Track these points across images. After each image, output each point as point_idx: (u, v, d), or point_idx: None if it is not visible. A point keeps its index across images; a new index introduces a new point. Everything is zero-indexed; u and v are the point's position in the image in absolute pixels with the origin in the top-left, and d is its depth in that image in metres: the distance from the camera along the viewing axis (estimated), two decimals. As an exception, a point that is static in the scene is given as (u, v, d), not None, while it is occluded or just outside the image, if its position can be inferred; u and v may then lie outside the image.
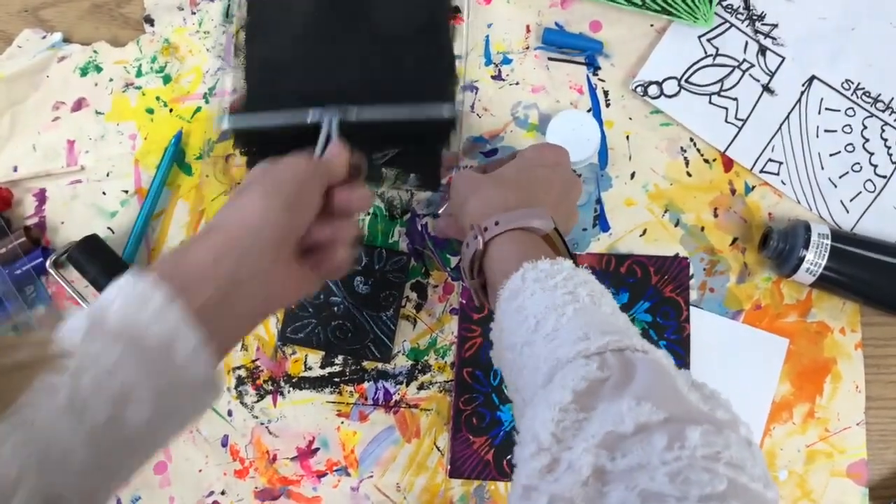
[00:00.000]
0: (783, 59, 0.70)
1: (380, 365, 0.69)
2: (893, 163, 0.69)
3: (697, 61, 0.71)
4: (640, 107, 0.71)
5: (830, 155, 0.69)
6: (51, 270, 0.68)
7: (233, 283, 0.45)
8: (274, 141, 0.63)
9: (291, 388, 0.69)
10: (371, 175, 0.67)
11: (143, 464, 0.43)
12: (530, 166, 0.57)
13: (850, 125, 0.69)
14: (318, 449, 0.68)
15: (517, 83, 0.72)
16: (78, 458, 0.38)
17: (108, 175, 0.73)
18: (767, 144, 0.69)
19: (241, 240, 0.46)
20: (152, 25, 0.75)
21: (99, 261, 0.68)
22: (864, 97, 0.70)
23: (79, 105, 0.74)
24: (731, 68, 0.70)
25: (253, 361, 0.69)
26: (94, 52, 0.75)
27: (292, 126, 0.64)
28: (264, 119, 0.67)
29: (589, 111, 0.70)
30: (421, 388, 0.68)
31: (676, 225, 0.69)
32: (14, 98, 0.74)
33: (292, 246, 0.50)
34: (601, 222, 0.69)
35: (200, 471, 0.68)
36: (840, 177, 0.69)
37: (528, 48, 0.72)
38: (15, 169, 0.73)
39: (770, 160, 0.69)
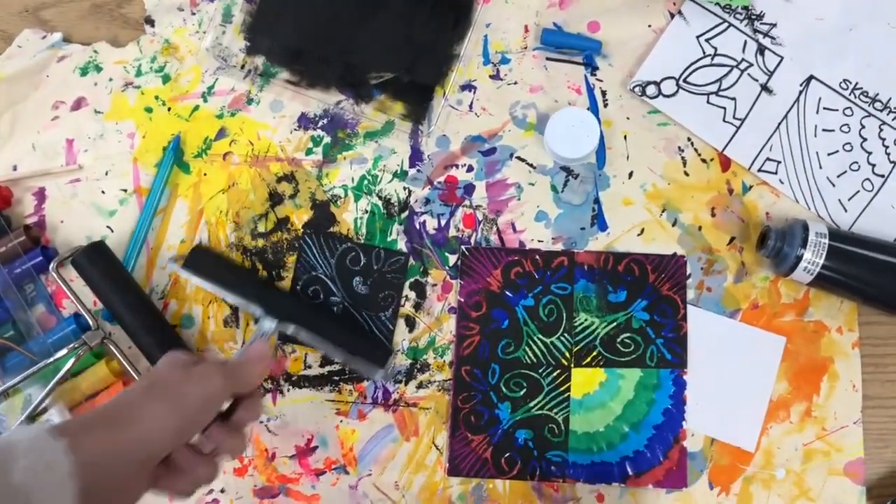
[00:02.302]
0: (782, 58, 0.70)
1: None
2: (891, 162, 0.69)
3: (696, 61, 0.71)
4: (637, 107, 0.71)
5: (828, 154, 0.69)
6: (53, 274, 0.69)
7: (111, 483, 0.47)
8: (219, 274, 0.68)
9: (291, 387, 0.69)
10: (362, 93, 0.70)
11: None
12: None
13: (848, 125, 0.69)
14: (316, 447, 0.68)
15: (515, 83, 0.72)
16: None
17: (106, 174, 0.73)
18: (766, 144, 0.70)
19: (136, 446, 0.48)
20: (153, 26, 0.75)
21: (102, 268, 0.68)
22: (862, 97, 0.70)
23: (78, 104, 0.74)
24: (729, 68, 0.71)
25: (252, 360, 0.70)
26: (95, 52, 0.75)
27: (235, 293, 0.67)
28: (212, 287, 0.68)
29: (586, 110, 0.70)
30: (420, 386, 0.68)
31: (674, 224, 0.69)
32: (14, 97, 0.74)
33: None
34: (599, 221, 0.69)
35: (199, 469, 0.69)
36: (838, 176, 0.69)
37: (526, 48, 0.72)
38: (14, 168, 0.73)
39: (768, 159, 0.69)
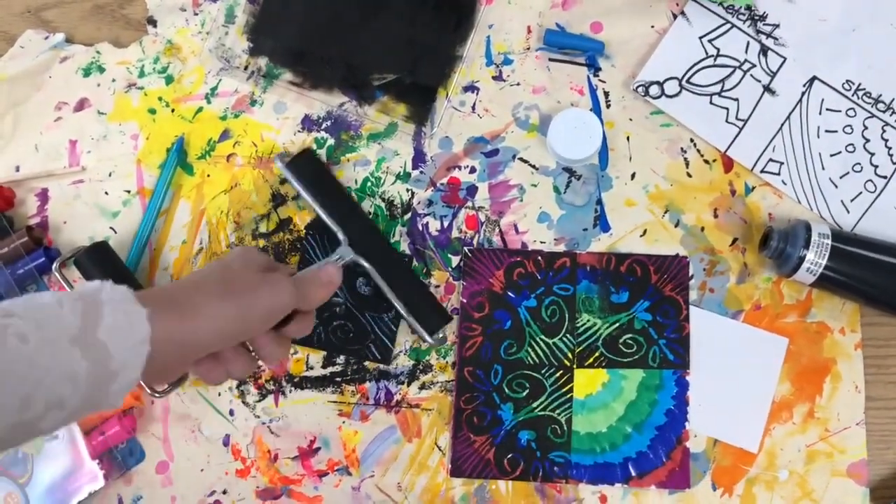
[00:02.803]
0: (784, 59, 0.70)
1: (381, 365, 0.69)
2: (894, 163, 0.69)
3: (698, 62, 0.71)
4: (640, 108, 0.71)
5: (831, 155, 0.69)
6: (56, 274, 0.69)
7: (161, 362, 0.49)
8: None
9: (293, 388, 0.69)
10: (365, 94, 0.71)
11: None
12: None
13: (850, 126, 0.69)
14: (319, 448, 0.68)
15: (518, 84, 0.72)
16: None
17: (110, 175, 0.73)
18: (768, 145, 0.70)
19: (196, 340, 0.50)
20: (155, 26, 0.75)
21: (105, 269, 0.68)
22: (864, 98, 0.70)
23: (81, 105, 0.74)
24: (732, 69, 0.71)
25: (254, 361, 0.70)
26: (97, 52, 0.75)
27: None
28: (305, 192, 0.69)
29: (589, 111, 0.70)
30: (422, 387, 0.68)
31: (676, 225, 0.69)
32: (16, 98, 0.74)
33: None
34: (601, 223, 0.69)
35: (202, 470, 0.69)
36: (841, 177, 0.69)
37: (528, 49, 0.72)
38: (17, 169, 0.73)
39: (771, 160, 0.69)
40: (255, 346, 0.56)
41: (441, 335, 0.68)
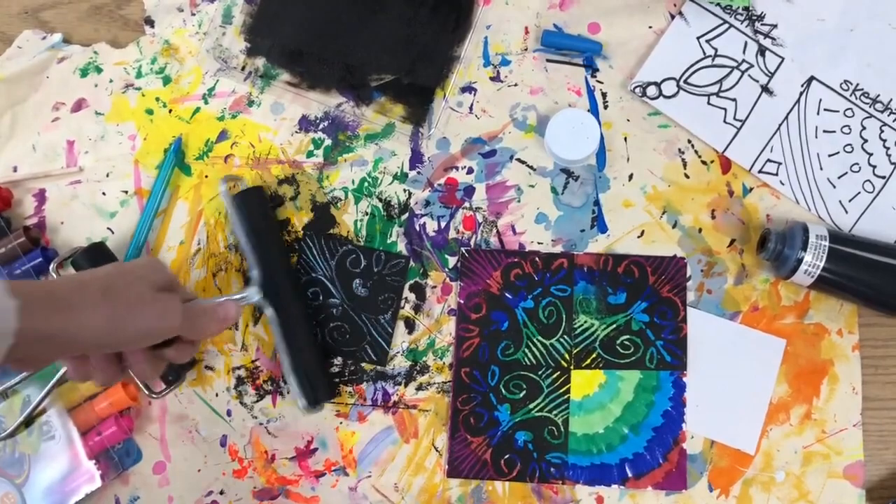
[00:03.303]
0: (782, 59, 0.70)
1: (378, 366, 0.69)
2: (892, 163, 0.69)
3: (696, 62, 0.71)
4: (638, 108, 0.71)
5: (829, 155, 0.69)
6: (53, 275, 0.69)
7: (34, 358, 0.51)
8: None
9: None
10: (363, 95, 0.71)
11: None
12: None
13: (848, 126, 0.69)
14: (316, 449, 0.68)
15: (515, 84, 0.72)
16: None
17: (107, 175, 0.73)
18: (766, 145, 0.69)
19: (60, 339, 0.49)
20: (152, 27, 0.75)
21: None
22: (862, 98, 0.70)
23: (78, 106, 0.74)
24: (730, 69, 0.70)
25: (253, 362, 0.70)
26: (95, 53, 0.75)
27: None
28: (239, 229, 0.68)
29: (587, 112, 0.70)
30: (419, 388, 0.68)
31: (674, 226, 0.69)
32: (14, 99, 0.74)
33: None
34: (599, 224, 0.69)
35: (199, 471, 0.69)
36: (839, 177, 0.69)
37: (526, 49, 0.72)
38: (15, 169, 0.73)
39: (769, 160, 0.69)
40: (128, 361, 0.55)
41: (319, 408, 0.67)
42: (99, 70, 0.74)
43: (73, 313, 0.49)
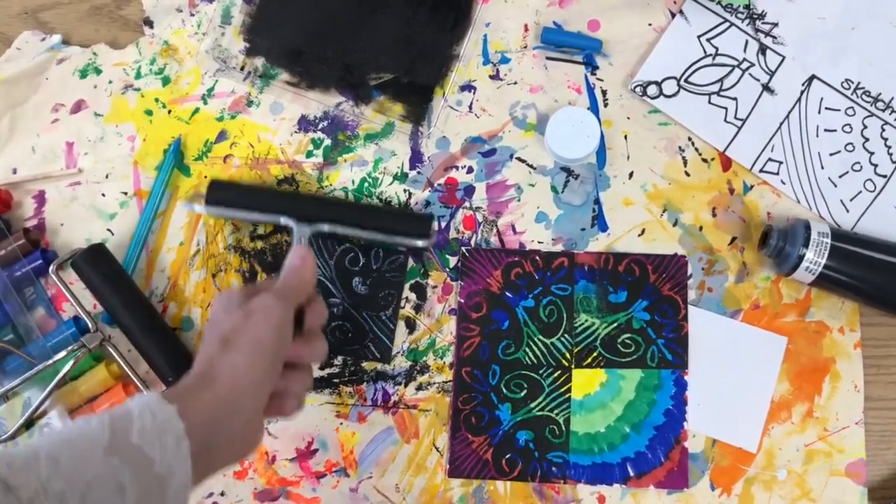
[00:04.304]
0: (783, 58, 0.70)
1: (378, 366, 0.69)
2: (893, 162, 0.69)
3: (697, 61, 0.70)
4: (638, 106, 0.70)
5: (830, 154, 0.69)
6: (53, 276, 0.69)
7: (223, 438, 0.49)
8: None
9: (290, 389, 0.69)
10: (362, 94, 0.70)
11: None
12: None
13: (850, 124, 0.69)
14: (317, 450, 0.68)
15: (515, 83, 0.72)
16: None
17: (107, 177, 0.73)
18: (767, 144, 0.69)
19: (233, 401, 0.50)
20: (151, 27, 0.75)
21: (102, 271, 0.68)
22: (864, 96, 0.69)
23: (78, 107, 0.74)
24: (730, 68, 0.70)
25: (252, 362, 0.69)
26: (94, 54, 0.75)
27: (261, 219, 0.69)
28: (237, 213, 0.68)
29: (587, 110, 0.70)
30: (419, 388, 0.68)
31: (675, 225, 0.69)
32: (13, 100, 0.74)
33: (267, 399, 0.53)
34: (599, 222, 0.69)
35: (200, 471, 0.69)
36: (840, 176, 0.69)
37: (526, 47, 0.72)
38: (14, 171, 0.73)
39: (770, 160, 0.69)
40: (294, 361, 0.55)
41: (433, 236, 0.68)
42: (98, 71, 0.74)
43: (220, 377, 0.50)
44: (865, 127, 0.69)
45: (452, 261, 0.70)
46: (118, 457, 0.43)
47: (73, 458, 0.42)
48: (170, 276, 0.71)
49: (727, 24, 0.71)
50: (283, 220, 0.66)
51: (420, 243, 0.67)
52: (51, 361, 0.66)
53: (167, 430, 0.45)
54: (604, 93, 0.71)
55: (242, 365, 0.50)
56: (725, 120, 0.70)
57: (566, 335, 0.68)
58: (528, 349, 0.68)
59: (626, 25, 0.71)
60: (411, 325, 0.69)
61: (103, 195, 0.72)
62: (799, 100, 0.70)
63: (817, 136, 0.69)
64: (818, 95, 0.70)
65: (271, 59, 0.72)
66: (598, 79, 0.71)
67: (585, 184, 0.70)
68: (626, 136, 0.70)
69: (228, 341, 0.51)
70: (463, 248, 0.69)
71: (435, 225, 0.69)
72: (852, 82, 0.70)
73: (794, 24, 0.70)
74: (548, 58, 0.72)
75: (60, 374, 0.65)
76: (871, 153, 0.69)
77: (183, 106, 0.73)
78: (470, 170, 0.71)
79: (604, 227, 0.69)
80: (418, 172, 0.71)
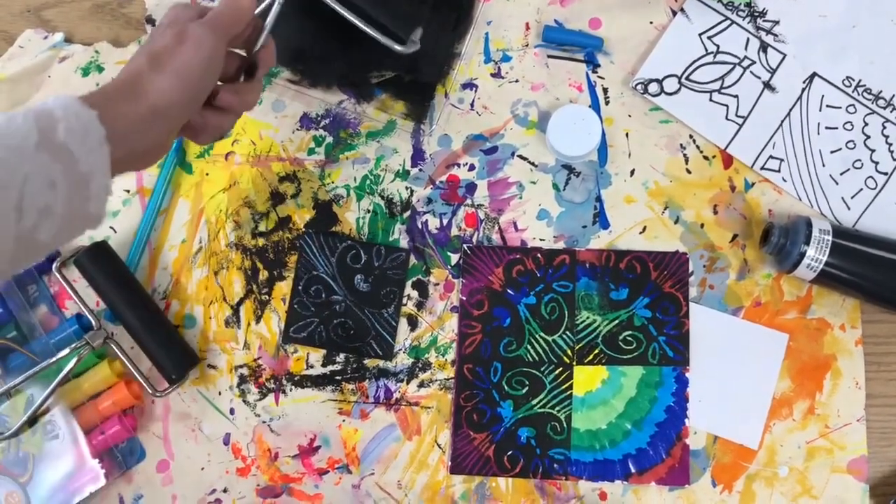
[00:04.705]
0: (784, 56, 0.70)
1: (381, 363, 0.69)
2: (894, 160, 0.69)
3: (698, 59, 0.71)
4: (639, 104, 0.71)
5: (831, 152, 0.69)
6: (56, 274, 0.69)
7: (131, 152, 0.51)
8: None
9: (293, 387, 0.69)
10: (364, 92, 0.70)
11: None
12: None
13: (851, 122, 0.69)
14: (319, 447, 0.68)
15: (517, 81, 0.72)
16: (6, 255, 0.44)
17: (109, 174, 0.73)
18: (768, 142, 0.69)
19: (150, 120, 0.51)
20: (154, 25, 0.75)
21: (105, 268, 0.68)
22: (865, 94, 0.70)
23: (80, 105, 0.74)
24: (731, 65, 0.70)
25: (255, 360, 0.70)
26: (96, 52, 0.75)
27: None
28: None
29: (588, 107, 0.70)
30: (421, 385, 0.68)
31: (676, 222, 0.69)
32: (16, 98, 0.74)
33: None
34: (601, 220, 0.69)
35: (203, 469, 0.69)
36: (841, 174, 0.69)
37: (527, 46, 0.72)
38: (17, 169, 0.73)
39: (771, 157, 0.69)
40: (221, 105, 0.56)
41: (413, 41, 0.65)
42: (100, 69, 0.75)
43: (144, 94, 0.50)
44: (866, 124, 0.69)
45: (454, 258, 0.70)
46: (48, 153, 0.44)
47: (7, 151, 0.43)
48: (172, 273, 0.71)
49: (728, 22, 0.71)
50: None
51: (397, 47, 0.63)
52: (54, 359, 0.66)
53: (90, 131, 0.46)
54: (605, 91, 0.71)
55: (166, 88, 0.51)
56: (727, 117, 0.70)
57: (568, 332, 0.68)
58: (529, 346, 0.68)
59: (627, 23, 0.72)
60: (413, 323, 0.69)
61: (106, 193, 0.73)
62: (800, 97, 0.70)
63: (818, 133, 0.69)
64: (819, 93, 0.70)
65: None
66: (599, 77, 0.71)
67: (587, 181, 0.70)
68: (627, 134, 0.70)
69: (158, 62, 0.52)
70: (465, 246, 0.70)
71: (419, 34, 0.65)
72: (853, 80, 0.70)
73: (795, 22, 0.70)
74: (549, 56, 0.72)
75: (63, 372, 0.65)
76: (872, 150, 0.69)
77: (185, 104, 0.73)
78: (472, 167, 0.71)
79: (605, 225, 0.69)
80: (420, 170, 0.71)
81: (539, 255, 0.69)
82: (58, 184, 0.45)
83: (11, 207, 0.43)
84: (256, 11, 0.58)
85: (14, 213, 0.43)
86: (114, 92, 0.50)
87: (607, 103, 0.71)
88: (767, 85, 0.70)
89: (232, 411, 0.69)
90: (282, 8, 0.59)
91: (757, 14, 0.71)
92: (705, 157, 0.70)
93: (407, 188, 0.71)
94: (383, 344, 0.69)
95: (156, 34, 0.54)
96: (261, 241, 0.71)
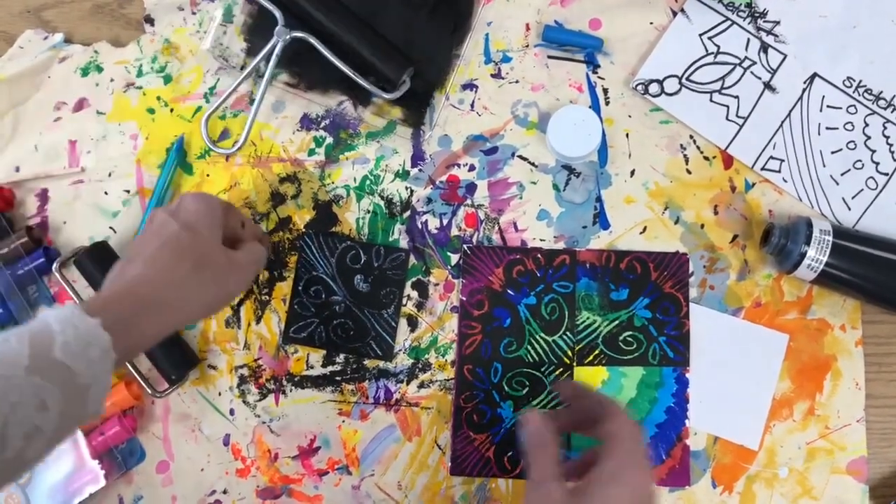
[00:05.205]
0: (785, 56, 0.70)
1: (381, 363, 0.69)
2: (895, 160, 0.69)
3: (698, 59, 0.71)
4: (639, 104, 0.71)
5: (832, 152, 0.69)
6: (56, 274, 0.69)
7: (146, 335, 0.52)
8: None
9: (293, 387, 0.69)
10: (360, 96, 0.70)
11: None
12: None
13: (851, 122, 0.69)
14: (319, 448, 0.68)
15: (517, 81, 0.72)
16: None
17: (109, 175, 0.73)
18: (769, 142, 0.69)
19: (176, 326, 0.54)
20: (152, 25, 0.75)
21: (105, 268, 0.68)
22: (865, 94, 0.69)
23: (80, 105, 0.74)
24: (732, 66, 0.70)
25: (255, 360, 0.70)
26: (95, 52, 0.75)
27: None
28: None
29: (588, 108, 0.70)
30: (421, 386, 0.68)
31: (676, 222, 0.69)
32: (16, 99, 0.74)
33: (207, 252, 0.57)
34: (601, 220, 0.69)
35: (202, 470, 0.69)
36: (842, 174, 0.69)
37: (527, 46, 0.72)
38: (17, 169, 0.73)
39: (771, 158, 0.69)
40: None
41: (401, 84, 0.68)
42: (100, 69, 0.75)
43: (183, 306, 0.53)
44: (867, 125, 0.69)
45: (454, 258, 0.70)
46: (39, 375, 0.44)
47: None
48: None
49: (729, 23, 0.71)
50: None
51: (385, 95, 0.67)
52: (53, 359, 0.66)
53: (91, 342, 0.46)
54: (605, 91, 0.71)
55: (210, 299, 0.55)
56: (727, 118, 0.70)
57: (568, 333, 0.68)
58: (529, 347, 0.68)
59: (627, 24, 0.72)
60: (413, 323, 0.69)
61: (106, 193, 0.73)
62: (800, 98, 0.70)
63: (819, 134, 0.69)
64: (820, 93, 0.70)
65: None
66: (599, 77, 0.71)
67: (587, 182, 0.70)
68: (627, 135, 0.70)
69: (205, 275, 0.55)
70: (465, 246, 0.70)
71: (406, 77, 0.68)
72: (854, 80, 0.70)
73: (796, 23, 0.70)
74: (549, 56, 0.72)
75: (63, 372, 0.65)
76: (873, 151, 0.69)
77: (185, 104, 0.73)
78: (472, 167, 0.71)
79: (605, 225, 0.69)
80: (420, 170, 0.71)
81: (539, 255, 0.69)
82: (50, 405, 0.44)
83: None
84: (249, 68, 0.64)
85: None
86: (143, 298, 0.51)
87: (607, 104, 0.71)
88: (768, 85, 0.70)
89: (232, 412, 0.69)
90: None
91: (757, 14, 0.71)
92: (706, 158, 0.70)
93: (407, 188, 0.71)
94: (383, 344, 0.69)
95: (204, 249, 0.57)
96: (261, 242, 0.71)
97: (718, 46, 0.71)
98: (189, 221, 0.57)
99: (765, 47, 0.70)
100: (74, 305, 0.47)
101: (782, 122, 0.70)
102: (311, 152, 0.72)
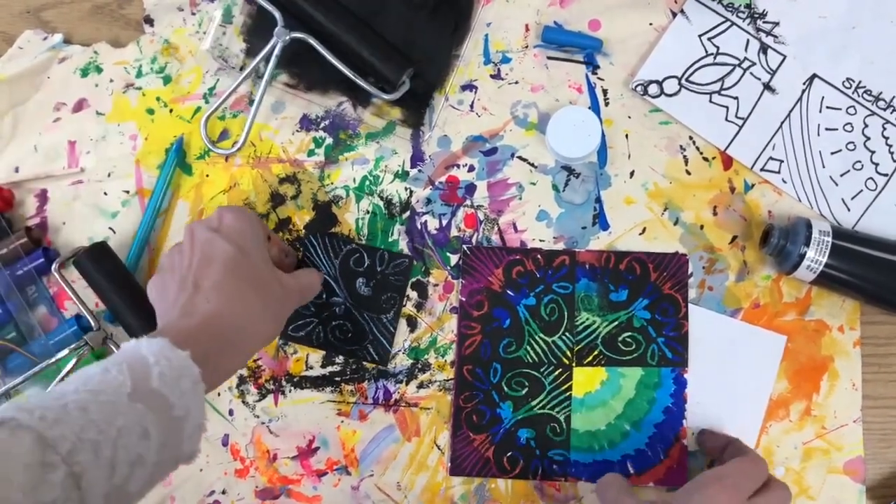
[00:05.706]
0: (784, 57, 0.70)
1: (380, 366, 0.69)
2: (895, 161, 0.69)
3: (698, 60, 0.71)
4: (639, 105, 0.71)
5: (831, 153, 0.69)
6: (56, 275, 0.69)
7: (228, 366, 0.55)
8: None
9: (293, 388, 0.69)
10: (360, 97, 0.71)
11: None
12: None
13: (851, 123, 0.69)
14: (318, 448, 0.68)
15: (516, 82, 0.72)
16: None
17: (109, 175, 0.73)
18: (768, 143, 0.69)
19: (248, 357, 0.58)
20: (152, 26, 0.75)
21: (105, 269, 0.68)
22: (865, 95, 0.69)
23: (79, 106, 0.74)
24: (731, 67, 0.70)
25: (255, 360, 0.70)
26: (95, 52, 0.75)
27: None
28: None
29: (588, 109, 0.70)
30: (420, 386, 0.68)
31: (676, 223, 0.69)
32: (15, 99, 0.74)
33: (263, 276, 0.59)
34: (600, 221, 0.69)
35: (201, 470, 0.69)
36: (841, 175, 0.69)
37: (527, 47, 0.72)
38: (16, 170, 0.73)
39: (771, 158, 0.69)
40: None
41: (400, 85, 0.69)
42: (99, 70, 0.75)
43: (252, 343, 0.56)
44: (866, 126, 0.69)
45: (454, 259, 0.70)
46: (142, 403, 0.44)
47: (101, 406, 0.43)
48: (172, 274, 0.71)
49: (728, 24, 0.71)
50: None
51: (384, 96, 0.67)
52: (53, 360, 0.66)
53: (183, 374, 0.47)
54: (605, 92, 0.71)
55: (273, 331, 0.58)
56: (726, 119, 0.70)
57: (567, 333, 0.68)
58: (529, 347, 0.68)
59: (626, 25, 0.71)
60: (413, 324, 0.69)
61: (105, 194, 0.73)
62: (800, 99, 0.70)
63: (818, 134, 0.69)
64: (819, 94, 0.70)
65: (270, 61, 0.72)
66: (598, 78, 0.71)
67: (586, 182, 0.70)
68: (626, 135, 0.70)
69: (269, 312, 0.57)
70: (464, 247, 0.70)
71: (406, 77, 0.68)
72: (853, 81, 0.70)
73: (796, 24, 0.70)
74: (549, 57, 0.72)
75: (63, 373, 0.66)
76: (873, 152, 0.69)
77: (185, 105, 0.73)
78: (471, 168, 0.71)
79: (605, 226, 0.69)
80: (419, 171, 0.71)
81: (539, 256, 0.69)
82: (151, 433, 0.45)
83: (105, 464, 0.42)
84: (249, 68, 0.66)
85: (107, 469, 0.42)
86: (220, 332, 0.53)
87: (607, 105, 0.71)
88: (767, 86, 0.70)
89: (231, 412, 0.69)
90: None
91: (757, 15, 0.71)
92: (705, 159, 0.70)
93: (406, 189, 0.71)
94: (380, 349, 0.69)
95: (273, 288, 0.59)
96: (260, 243, 0.71)
97: (718, 47, 0.71)
98: (236, 241, 0.57)
99: (764, 48, 0.70)
100: (163, 338, 0.48)
101: (782, 122, 0.70)
102: (311, 153, 0.72)
